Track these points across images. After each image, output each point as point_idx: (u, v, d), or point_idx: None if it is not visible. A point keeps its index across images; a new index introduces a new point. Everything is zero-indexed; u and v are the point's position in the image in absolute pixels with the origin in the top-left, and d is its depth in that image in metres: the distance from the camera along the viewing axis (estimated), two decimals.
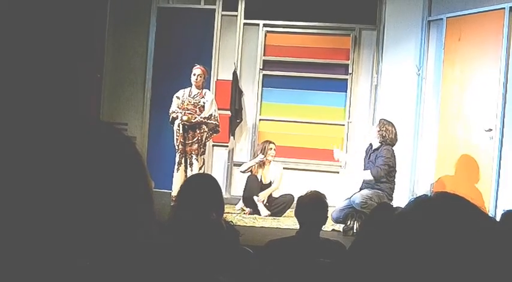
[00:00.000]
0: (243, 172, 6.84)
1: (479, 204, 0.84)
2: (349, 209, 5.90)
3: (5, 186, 0.70)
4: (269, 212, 6.51)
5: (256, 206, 6.62)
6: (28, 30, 6.39)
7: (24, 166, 0.71)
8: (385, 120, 6.15)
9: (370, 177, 5.89)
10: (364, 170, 6.09)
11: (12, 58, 6.19)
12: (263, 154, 6.69)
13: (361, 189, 6.02)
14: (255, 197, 6.55)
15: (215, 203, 3.11)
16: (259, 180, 6.75)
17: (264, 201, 6.65)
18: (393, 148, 6.01)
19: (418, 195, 0.86)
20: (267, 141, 6.90)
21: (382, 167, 5.82)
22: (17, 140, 0.74)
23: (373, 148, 6.08)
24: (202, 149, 6.60)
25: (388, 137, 5.98)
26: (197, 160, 6.50)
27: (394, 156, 5.97)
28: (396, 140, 6.06)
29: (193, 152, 6.50)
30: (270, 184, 6.78)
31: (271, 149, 6.72)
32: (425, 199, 0.82)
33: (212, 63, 7.84)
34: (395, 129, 6.05)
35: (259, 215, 6.53)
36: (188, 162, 6.52)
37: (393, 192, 6.00)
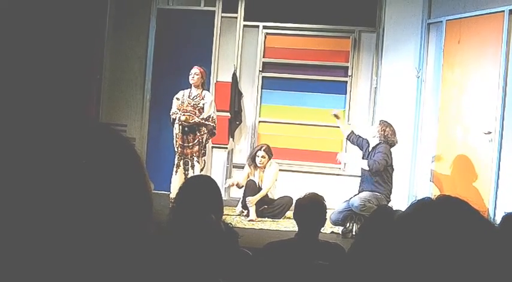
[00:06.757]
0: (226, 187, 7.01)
1: (478, 207, 0.84)
2: (348, 211, 5.91)
3: (3, 188, 0.70)
4: (255, 217, 6.46)
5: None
6: (28, 31, 6.39)
7: (22, 167, 0.71)
8: (385, 121, 6.19)
9: (366, 168, 5.96)
10: None
11: (11, 59, 6.19)
12: (252, 161, 6.71)
13: (359, 192, 6.04)
14: (247, 199, 6.53)
15: (214, 204, 3.11)
16: (257, 184, 6.71)
17: (264, 206, 6.64)
18: (391, 149, 6.05)
19: (420, 198, 0.86)
20: (259, 146, 6.87)
21: (380, 161, 5.90)
22: (15, 140, 0.74)
23: (371, 146, 6.14)
24: (203, 151, 6.59)
25: (390, 137, 6.03)
26: (198, 162, 6.50)
27: (391, 154, 6.01)
28: (396, 141, 6.11)
29: (194, 154, 6.49)
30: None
31: (258, 156, 6.69)
32: (427, 202, 0.82)
33: (212, 64, 7.84)
34: (395, 131, 6.10)
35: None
36: (190, 164, 6.51)
37: (391, 194, 6.02)
